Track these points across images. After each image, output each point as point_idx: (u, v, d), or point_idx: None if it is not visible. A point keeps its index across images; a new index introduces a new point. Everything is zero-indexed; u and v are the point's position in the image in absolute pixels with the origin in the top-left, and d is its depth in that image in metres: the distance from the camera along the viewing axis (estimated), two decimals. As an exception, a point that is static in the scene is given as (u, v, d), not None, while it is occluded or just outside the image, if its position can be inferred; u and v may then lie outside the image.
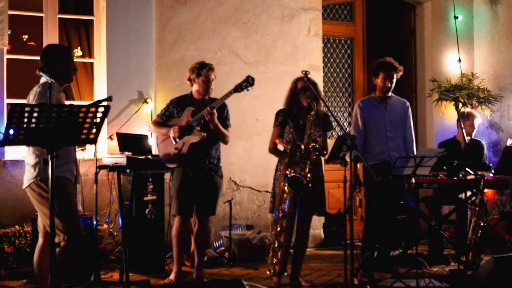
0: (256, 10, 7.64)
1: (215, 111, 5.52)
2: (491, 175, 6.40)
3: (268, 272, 5.49)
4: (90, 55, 7.21)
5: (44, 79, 4.40)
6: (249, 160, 7.47)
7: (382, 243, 6.02)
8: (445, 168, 6.22)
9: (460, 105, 7.92)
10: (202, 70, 5.67)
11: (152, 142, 6.75)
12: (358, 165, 5.82)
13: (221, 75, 6.81)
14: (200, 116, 5.57)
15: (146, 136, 6.76)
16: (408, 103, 6.23)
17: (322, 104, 5.64)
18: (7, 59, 6.70)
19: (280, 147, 5.63)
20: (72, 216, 4.44)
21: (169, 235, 6.04)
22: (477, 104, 8.41)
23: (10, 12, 6.70)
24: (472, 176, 6.00)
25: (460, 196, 6.50)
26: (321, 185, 5.61)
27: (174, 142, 5.63)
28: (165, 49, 7.24)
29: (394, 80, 6.00)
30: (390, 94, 6.07)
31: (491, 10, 8.65)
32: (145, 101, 7.04)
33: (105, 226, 6.55)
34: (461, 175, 5.98)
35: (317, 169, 5.53)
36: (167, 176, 6.30)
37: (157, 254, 6.24)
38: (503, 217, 7.42)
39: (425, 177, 6.08)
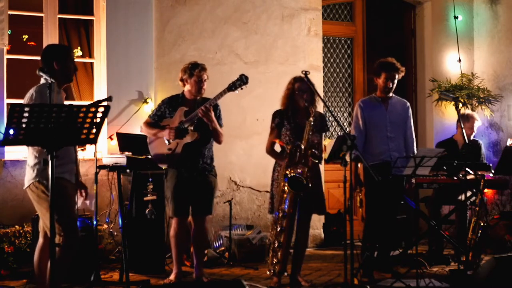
0: (256, 10, 7.64)
1: (211, 110, 5.52)
2: (491, 175, 6.40)
3: (268, 272, 5.48)
4: (90, 55, 7.21)
5: (43, 79, 4.41)
6: (249, 160, 7.47)
7: (382, 243, 6.02)
8: (445, 168, 6.22)
9: (460, 105, 7.93)
10: (195, 71, 5.66)
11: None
12: (359, 165, 5.82)
13: (221, 75, 6.81)
14: (194, 115, 5.56)
15: (146, 136, 6.75)
16: (408, 103, 6.23)
17: (317, 104, 5.63)
18: (7, 59, 6.70)
19: (278, 148, 5.64)
20: (69, 217, 4.43)
21: (169, 236, 6.04)
22: (477, 104, 8.41)
23: (10, 12, 6.70)
24: (472, 176, 6.00)
25: (460, 196, 6.50)
26: (320, 184, 5.61)
27: (167, 143, 5.62)
28: (165, 49, 7.24)
29: (396, 80, 6.00)
30: (390, 94, 6.07)
31: (491, 10, 8.65)
32: (145, 101, 7.04)
33: (105, 226, 6.55)
34: (461, 176, 5.98)
35: (316, 168, 5.53)
36: (167, 176, 6.30)
37: (157, 254, 6.24)
38: (503, 217, 7.42)
39: (425, 177, 6.08)
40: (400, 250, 6.52)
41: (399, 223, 6.62)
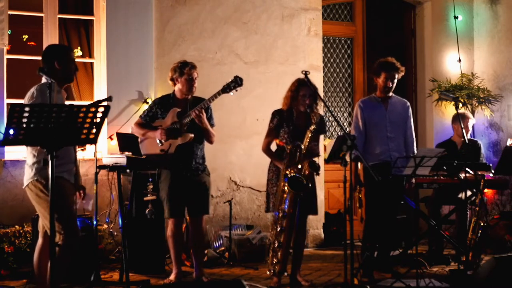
0: (256, 10, 7.64)
1: (203, 111, 5.52)
2: (491, 175, 6.40)
3: (268, 272, 5.49)
4: (90, 55, 7.21)
5: (44, 79, 4.41)
6: (249, 160, 7.46)
7: (382, 243, 6.02)
8: (445, 168, 6.22)
9: (460, 105, 7.93)
10: (185, 69, 5.65)
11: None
12: (359, 165, 5.82)
13: (221, 75, 6.81)
14: (187, 117, 5.56)
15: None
16: (408, 103, 6.23)
17: (319, 107, 5.64)
18: (7, 59, 6.69)
19: (273, 148, 5.64)
20: (69, 217, 4.44)
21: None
22: (477, 104, 8.41)
23: (10, 12, 6.70)
24: (472, 176, 5.99)
25: (460, 196, 6.50)
26: (314, 185, 5.61)
27: (159, 144, 5.61)
28: (165, 49, 7.24)
29: (396, 80, 6.00)
30: (390, 94, 6.07)
31: (491, 10, 8.65)
32: (145, 101, 7.04)
33: (105, 226, 6.55)
34: (462, 176, 5.98)
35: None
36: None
37: (157, 254, 6.24)
38: (503, 217, 7.42)
39: (425, 177, 6.08)
40: (400, 250, 6.52)
41: (399, 223, 6.62)
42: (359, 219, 6.41)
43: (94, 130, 3.78)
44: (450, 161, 6.21)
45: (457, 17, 8.61)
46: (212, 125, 5.74)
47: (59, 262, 4.24)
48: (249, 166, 7.48)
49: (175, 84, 5.75)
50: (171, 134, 5.57)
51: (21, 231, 6.06)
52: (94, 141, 3.86)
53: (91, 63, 7.19)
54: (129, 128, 6.87)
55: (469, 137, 7.07)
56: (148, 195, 5.77)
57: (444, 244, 6.83)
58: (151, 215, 5.81)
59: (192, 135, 5.57)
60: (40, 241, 4.60)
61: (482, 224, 5.89)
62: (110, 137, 6.89)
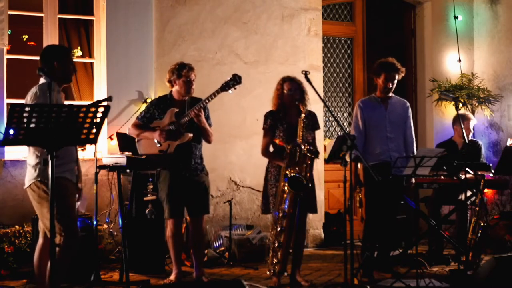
0: (256, 10, 7.64)
1: (202, 111, 5.52)
2: (491, 175, 6.40)
3: (268, 272, 5.49)
4: (90, 55, 7.20)
5: (43, 79, 4.41)
6: (249, 160, 7.46)
7: (382, 243, 6.02)
8: (445, 168, 6.22)
9: (460, 105, 7.93)
10: (182, 71, 5.65)
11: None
12: (359, 165, 5.82)
13: (221, 75, 6.80)
14: (185, 117, 5.55)
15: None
16: (408, 103, 6.23)
17: (308, 102, 5.64)
18: (7, 59, 6.69)
19: (271, 149, 5.65)
20: (69, 218, 4.43)
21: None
22: (477, 104, 8.41)
23: (10, 12, 6.70)
24: (472, 176, 5.99)
25: (460, 196, 6.50)
26: (312, 184, 5.61)
27: (158, 144, 5.61)
28: (165, 49, 7.24)
29: (396, 81, 6.00)
30: (390, 94, 6.07)
31: (491, 10, 8.65)
32: (145, 101, 7.03)
33: (105, 226, 6.55)
34: (462, 176, 5.98)
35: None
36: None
37: (157, 254, 6.24)
38: (503, 217, 7.42)
39: (425, 177, 6.08)
40: (400, 250, 6.52)
41: (399, 223, 6.62)
42: (359, 219, 6.42)
43: (94, 130, 3.78)
44: (450, 161, 6.22)
45: (457, 17, 8.61)
46: (209, 125, 5.74)
47: (59, 263, 4.24)
48: (249, 166, 7.48)
49: (172, 86, 5.75)
50: (171, 136, 5.57)
51: (21, 231, 6.06)
52: (94, 141, 3.86)
53: (91, 63, 7.19)
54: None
55: (470, 138, 7.07)
56: (148, 195, 5.77)
57: (444, 244, 6.83)
58: (151, 215, 5.81)
59: (191, 135, 5.57)
60: (40, 241, 4.60)
61: (482, 224, 5.89)
62: (110, 137, 6.89)
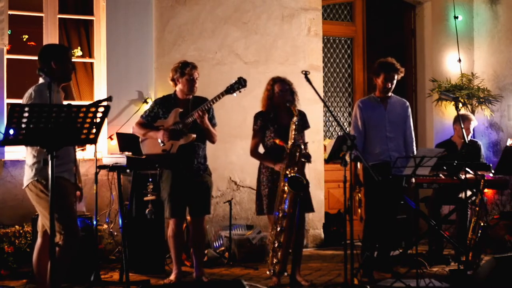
0: (256, 10, 7.64)
1: (206, 113, 5.52)
2: (491, 175, 6.40)
3: (268, 272, 5.49)
4: (90, 55, 7.21)
5: (42, 79, 4.41)
6: (249, 160, 7.38)
7: (382, 243, 6.01)
8: (445, 168, 6.22)
9: (460, 105, 7.93)
10: (185, 69, 5.66)
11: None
12: (358, 165, 5.82)
13: (221, 75, 6.82)
14: (190, 117, 5.56)
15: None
16: (407, 103, 6.23)
17: (297, 103, 5.63)
18: (7, 59, 6.70)
19: (261, 150, 5.65)
20: (69, 217, 4.43)
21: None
22: (477, 104, 8.41)
23: (10, 12, 6.70)
24: (472, 176, 6.00)
25: (460, 196, 6.50)
26: (306, 182, 5.59)
27: (161, 144, 5.61)
28: (165, 49, 7.24)
29: (395, 81, 6.00)
30: (390, 94, 6.07)
31: (491, 10, 8.65)
32: (145, 101, 7.04)
33: (105, 226, 6.55)
34: (462, 176, 5.98)
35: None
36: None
37: (157, 254, 6.24)
38: (503, 217, 7.42)
39: (425, 177, 6.08)
40: (400, 250, 6.52)
41: (399, 223, 6.62)
42: (359, 219, 6.42)
43: (94, 130, 3.78)
44: (450, 161, 6.22)
45: (457, 17, 8.61)
46: (214, 125, 5.75)
47: (59, 262, 4.24)
48: (249, 166, 7.46)
49: (176, 85, 5.75)
50: (174, 136, 5.57)
51: (21, 231, 6.07)
52: (94, 141, 3.85)
53: (91, 63, 7.19)
54: (129, 128, 6.86)
55: (470, 138, 7.07)
56: (148, 195, 5.77)
57: (444, 244, 6.83)
58: (151, 215, 5.81)
59: (195, 135, 5.57)
60: (39, 241, 4.60)
61: (482, 224, 5.89)
62: (110, 137, 6.89)
